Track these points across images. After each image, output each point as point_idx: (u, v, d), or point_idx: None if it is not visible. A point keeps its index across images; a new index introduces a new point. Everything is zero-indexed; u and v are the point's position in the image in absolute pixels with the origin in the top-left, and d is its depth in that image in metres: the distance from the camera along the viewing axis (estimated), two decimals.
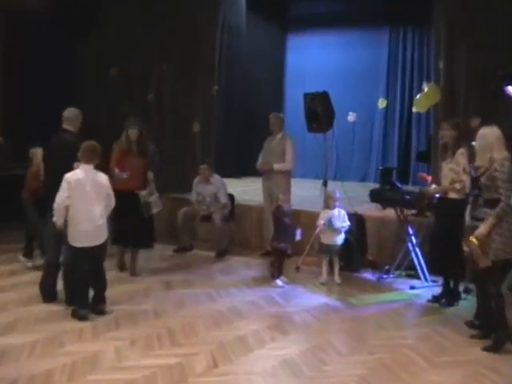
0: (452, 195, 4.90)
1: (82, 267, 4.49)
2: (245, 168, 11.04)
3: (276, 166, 6.65)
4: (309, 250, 6.39)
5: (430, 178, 5.91)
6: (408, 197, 5.64)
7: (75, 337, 4.14)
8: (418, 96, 7.60)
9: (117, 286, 5.35)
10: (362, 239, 6.32)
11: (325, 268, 5.86)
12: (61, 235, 4.57)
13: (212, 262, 6.70)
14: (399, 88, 11.60)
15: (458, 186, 4.83)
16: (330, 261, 5.90)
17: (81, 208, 4.43)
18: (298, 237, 5.72)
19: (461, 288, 5.18)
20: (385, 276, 5.95)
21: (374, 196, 6.11)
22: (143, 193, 5.63)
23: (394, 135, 11.64)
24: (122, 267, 5.95)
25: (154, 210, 5.75)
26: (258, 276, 6.04)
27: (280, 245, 5.70)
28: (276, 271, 5.71)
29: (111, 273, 5.37)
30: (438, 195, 5.11)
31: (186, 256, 6.93)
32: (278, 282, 5.63)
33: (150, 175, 5.77)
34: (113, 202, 4.65)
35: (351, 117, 11.73)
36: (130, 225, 5.61)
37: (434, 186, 5.28)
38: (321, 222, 5.83)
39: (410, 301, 5.26)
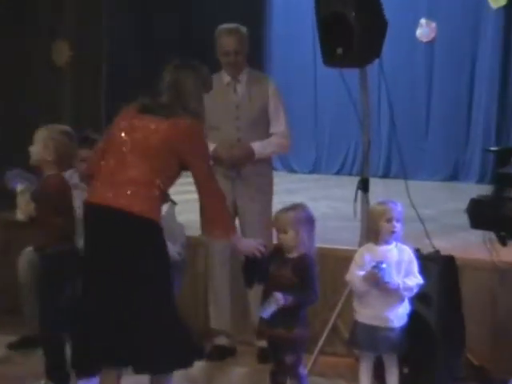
0: None
1: None
2: None
3: (259, 148, 6.98)
4: (327, 340, 6.61)
5: None
6: None
7: None
8: None
9: None
10: (454, 316, 6.41)
11: (366, 381, 5.97)
12: None
13: None
14: None
15: None
16: (376, 365, 6.01)
17: None
18: (265, 313, 5.64)
19: None
20: None
21: (480, 214, 6.23)
22: None
23: None
24: None
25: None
26: None
27: (295, 331, 5.65)
28: None
29: None
30: None
31: (37, 358, 6.86)
32: None
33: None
34: None
35: (424, 30, 12.06)
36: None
37: None
38: (356, 272, 5.87)
39: None
